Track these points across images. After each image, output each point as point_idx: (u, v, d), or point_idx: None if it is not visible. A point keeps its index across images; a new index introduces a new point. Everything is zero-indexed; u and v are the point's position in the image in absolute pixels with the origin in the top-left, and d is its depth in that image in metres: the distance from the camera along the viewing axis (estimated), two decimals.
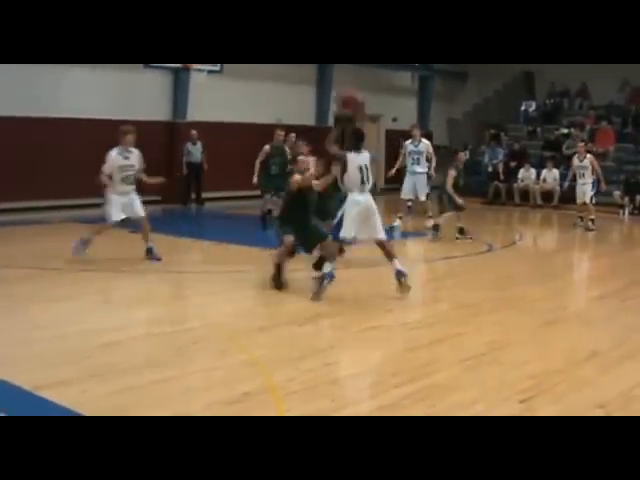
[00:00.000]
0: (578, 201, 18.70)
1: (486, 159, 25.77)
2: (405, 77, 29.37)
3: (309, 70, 25.65)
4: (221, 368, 6.84)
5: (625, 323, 9.18)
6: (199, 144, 20.80)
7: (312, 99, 26.23)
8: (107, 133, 19.02)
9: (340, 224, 9.90)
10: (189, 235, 15.31)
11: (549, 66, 27.11)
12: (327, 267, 9.75)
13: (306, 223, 10.51)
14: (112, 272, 11.36)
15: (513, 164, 24.70)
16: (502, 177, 24.59)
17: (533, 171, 23.81)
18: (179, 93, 21.96)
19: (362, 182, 9.83)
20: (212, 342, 7.76)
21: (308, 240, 10.49)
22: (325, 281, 9.68)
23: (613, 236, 19.42)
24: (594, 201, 18.51)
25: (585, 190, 18.35)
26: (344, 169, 9.81)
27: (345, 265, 11.16)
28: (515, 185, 24.03)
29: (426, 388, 6.30)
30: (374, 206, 9.99)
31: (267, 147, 15.81)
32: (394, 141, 28.06)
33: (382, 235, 10.03)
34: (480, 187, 24.56)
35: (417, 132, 17.57)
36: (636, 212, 21.52)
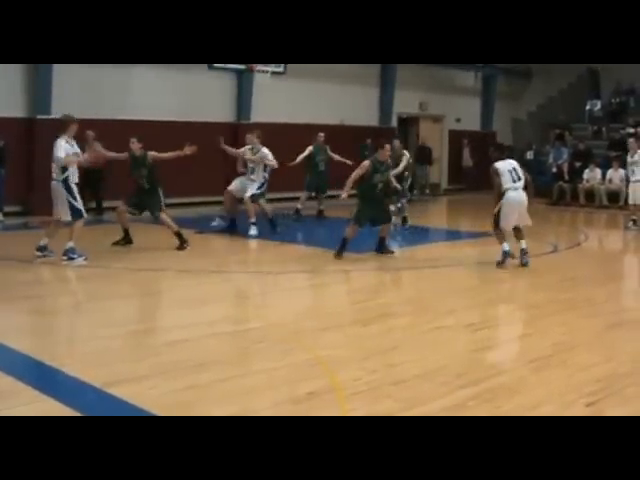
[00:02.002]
0: (630, 201, 18.35)
1: (550, 159, 25.52)
2: (468, 77, 29.23)
3: (372, 70, 25.64)
4: (285, 367, 6.86)
5: None
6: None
7: (375, 100, 26.19)
8: (173, 134, 19.38)
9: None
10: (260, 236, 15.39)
11: (615, 64, 26.78)
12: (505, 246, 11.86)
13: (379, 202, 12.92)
14: (175, 271, 11.48)
15: (578, 164, 24.42)
16: (567, 177, 24.33)
17: (598, 171, 23.51)
18: (243, 94, 22.12)
19: (513, 181, 11.81)
20: (276, 342, 7.80)
21: (378, 217, 12.81)
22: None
23: None
24: None
25: (636, 189, 17.95)
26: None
27: (409, 265, 11.16)
28: (580, 185, 23.75)
29: (491, 389, 6.26)
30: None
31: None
32: (457, 142, 28.02)
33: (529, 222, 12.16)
34: (545, 187, 24.32)
35: None
36: None
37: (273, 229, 15.39)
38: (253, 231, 14.77)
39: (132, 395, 5.82)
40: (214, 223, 15.54)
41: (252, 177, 15.19)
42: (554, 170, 24.88)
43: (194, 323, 8.55)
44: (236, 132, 21.46)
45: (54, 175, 11.72)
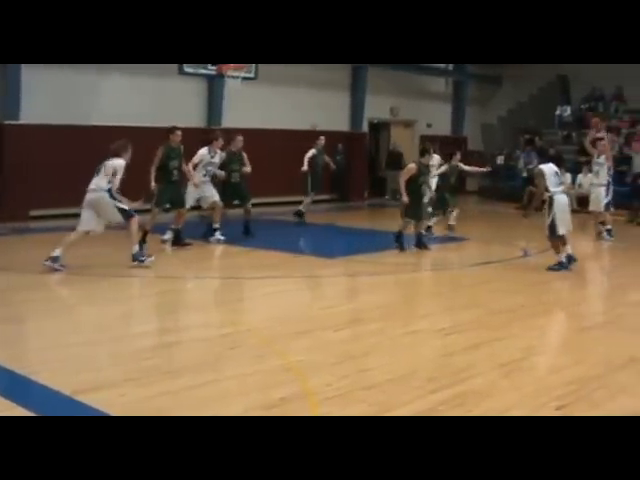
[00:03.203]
0: (590, 207, 17.37)
1: (521, 164, 25.64)
2: (439, 82, 29.37)
3: (343, 76, 25.70)
4: (257, 373, 6.86)
5: None
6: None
7: (346, 105, 26.22)
8: (143, 140, 19.28)
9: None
10: (231, 242, 15.34)
11: (584, 70, 26.97)
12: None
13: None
14: (149, 278, 11.44)
15: None
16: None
17: (568, 176, 23.61)
18: (214, 100, 22.06)
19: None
20: (248, 347, 7.80)
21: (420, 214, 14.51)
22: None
23: None
24: (611, 209, 17.14)
25: (598, 194, 17.03)
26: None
27: (381, 271, 11.18)
28: None
29: (463, 394, 6.28)
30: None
31: None
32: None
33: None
34: (515, 192, 24.46)
35: None
36: None
37: (248, 233, 15.62)
38: (220, 235, 14.68)
39: (102, 402, 5.78)
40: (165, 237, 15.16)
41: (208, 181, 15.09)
42: (524, 175, 24.99)
43: (166, 329, 8.53)
44: (207, 137, 21.42)
45: (96, 187, 11.99)
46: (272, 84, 22.19)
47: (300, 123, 23.26)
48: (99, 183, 11.93)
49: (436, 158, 17.27)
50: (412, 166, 14.32)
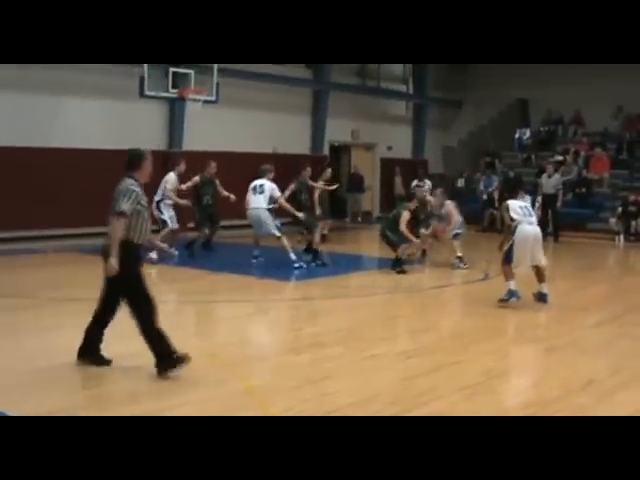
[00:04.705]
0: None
1: (481, 187, 25.79)
2: (400, 106, 29.52)
3: (304, 98, 25.80)
4: (218, 397, 6.82)
5: (622, 351, 9.18)
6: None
7: (307, 128, 26.28)
8: (104, 163, 19.18)
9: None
10: (186, 264, 15.26)
11: (544, 94, 27.38)
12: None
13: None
14: None
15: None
16: (497, 204, 24.59)
17: (528, 198, 23.74)
18: (175, 123, 22.02)
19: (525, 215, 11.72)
20: (209, 371, 7.75)
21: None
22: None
23: (609, 263, 19.47)
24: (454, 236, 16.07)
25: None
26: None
27: (342, 294, 11.19)
28: None
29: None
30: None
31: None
32: (388, 170, 28.23)
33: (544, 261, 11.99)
34: (475, 214, 24.61)
35: None
36: (632, 239, 21.53)
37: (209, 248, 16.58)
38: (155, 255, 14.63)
39: None
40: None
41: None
42: (484, 197, 25.16)
43: (127, 354, 8.44)
44: (167, 161, 21.37)
45: (257, 205, 14.95)
46: (233, 107, 22.19)
47: (261, 146, 23.29)
48: (259, 202, 14.85)
49: (427, 183, 20.28)
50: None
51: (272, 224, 14.92)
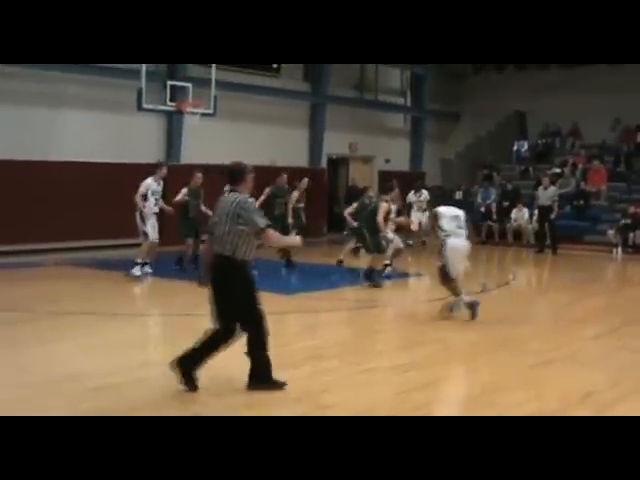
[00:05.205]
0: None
1: (479, 199, 25.80)
2: (398, 118, 29.57)
3: (302, 111, 25.84)
4: (216, 412, 6.79)
5: (621, 363, 9.16)
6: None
7: (305, 141, 26.31)
8: (102, 176, 19.19)
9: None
10: (180, 278, 15.23)
11: (541, 106, 27.43)
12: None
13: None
14: (105, 315, 11.31)
15: (506, 204, 24.72)
16: (495, 217, 24.62)
17: (526, 211, 23.81)
18: (173, 136, 22.04)
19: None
20: (208, 385, 7.71)
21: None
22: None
23: (607, 275, 19.46)
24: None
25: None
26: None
27: (339, 308, 11.18)
28: (508, 225, 24.04)
29: None
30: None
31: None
32: (387, 182, 28.20)
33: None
34: (473, 227, 24.58)
35: None
36: (629, 251, 21.53)
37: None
38: (137, 271, 14.60)
39: None
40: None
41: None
42: (482, 210, 25.16)
43: (120, 369, 8.41)
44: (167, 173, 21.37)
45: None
46: (231, 120, 22.21)
47: (259, 159, 23.23)
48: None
49: (424, 194, 21.13)
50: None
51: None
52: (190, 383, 7.43)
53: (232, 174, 7.62)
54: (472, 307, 11.20)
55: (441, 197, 20.63)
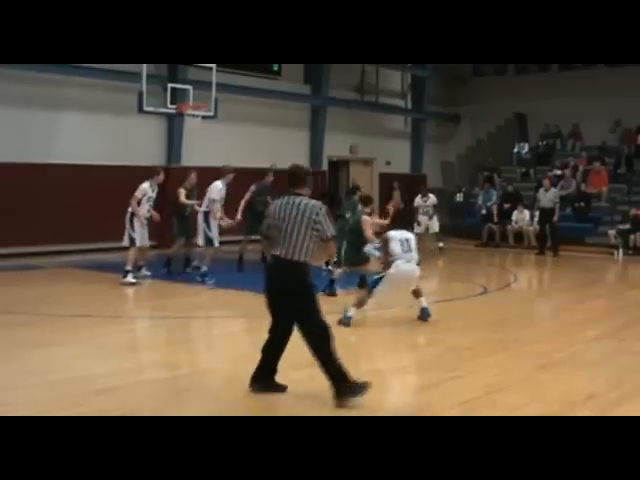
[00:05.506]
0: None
1: (480, 201, 25.78)
2: (398, 120, 29.57)
3: (302, 114, 25.82)
4: (216, 412, 6.77)
5: (622, 364, 9.15)
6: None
7: (306, 143, 26.28)
8: (103, 179, 19.18)
9: None
10: (184, 280, 15.22)
11: (542, 108, 27.43)
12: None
13: None
14: (106, 317, 11.31)
15: (507, 206, 24.70)
16: (496, 219, 24.59)
17: (527, 213, 23.80)
18: (173, 139, 22.02)
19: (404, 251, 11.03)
20: (206, 389, 7.71)
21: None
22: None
23: (608, 277, 19.45)
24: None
25: None
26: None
27: (339, 310, 11.14)
28: (509, 227, 24.02)
29: None
30: None
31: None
32: (387, 185, 28.24)
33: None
34: (474, 229, 24.62)
35: None
36: (630, 252, 21.50)
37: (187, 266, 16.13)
38: (131, 278, 14.41)
39: None
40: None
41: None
42: (483, 212, 25.14)
43: (121, 371, 8.40)
44: (166, 176, 21.34)
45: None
46: (231, 123, 22.19)
47: (260, 161, 23.24)
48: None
49: (432, 198, 21.48)
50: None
51: (202, 230, 15.02)
52: (277, 388, 7.48)
53: (293, 176, 7.48)
54: (346, 324, 10.84)
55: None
